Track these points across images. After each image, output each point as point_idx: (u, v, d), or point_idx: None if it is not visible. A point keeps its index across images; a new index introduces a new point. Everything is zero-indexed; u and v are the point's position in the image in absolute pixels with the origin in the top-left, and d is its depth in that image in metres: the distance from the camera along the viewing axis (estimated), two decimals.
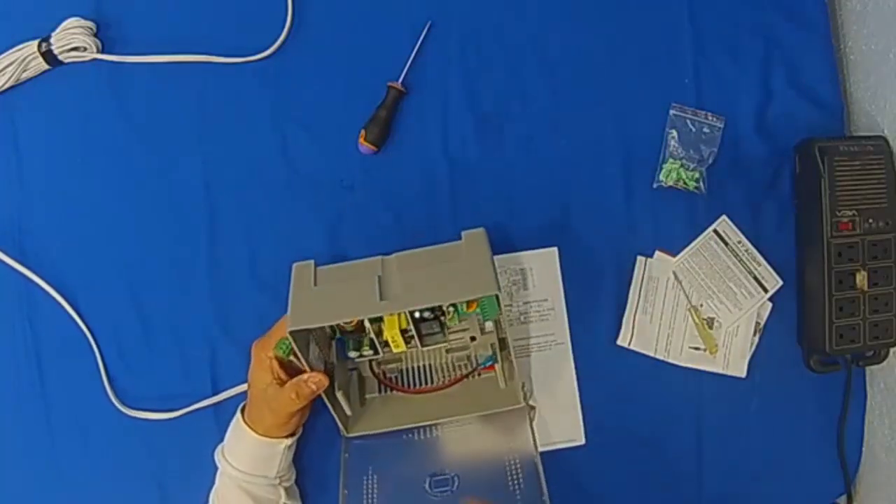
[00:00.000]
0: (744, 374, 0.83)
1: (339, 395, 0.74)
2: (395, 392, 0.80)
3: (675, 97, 0.85)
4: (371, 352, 0.75)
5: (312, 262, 0.75)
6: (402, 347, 0.72)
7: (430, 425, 0.79)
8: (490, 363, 0.77)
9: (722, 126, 0.84)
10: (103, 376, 0.81)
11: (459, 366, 0.79)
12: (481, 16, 0.85)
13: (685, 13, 0.86)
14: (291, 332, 0.68)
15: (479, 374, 0.79)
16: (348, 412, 0.77)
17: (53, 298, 0.81)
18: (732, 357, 0.83)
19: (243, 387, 0.80)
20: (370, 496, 0.75)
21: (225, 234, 0.83)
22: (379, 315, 0.69)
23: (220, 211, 0.83)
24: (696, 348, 0.83)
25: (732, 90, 0.85)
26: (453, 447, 0.78)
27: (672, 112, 0.84)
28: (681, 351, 0.83)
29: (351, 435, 0.77)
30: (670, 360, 0.83)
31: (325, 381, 0.72)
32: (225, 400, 0.81)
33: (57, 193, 0.83)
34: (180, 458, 0.81)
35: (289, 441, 0.74)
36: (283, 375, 0.72)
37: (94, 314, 0.82)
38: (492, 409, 0.77)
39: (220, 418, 0.81)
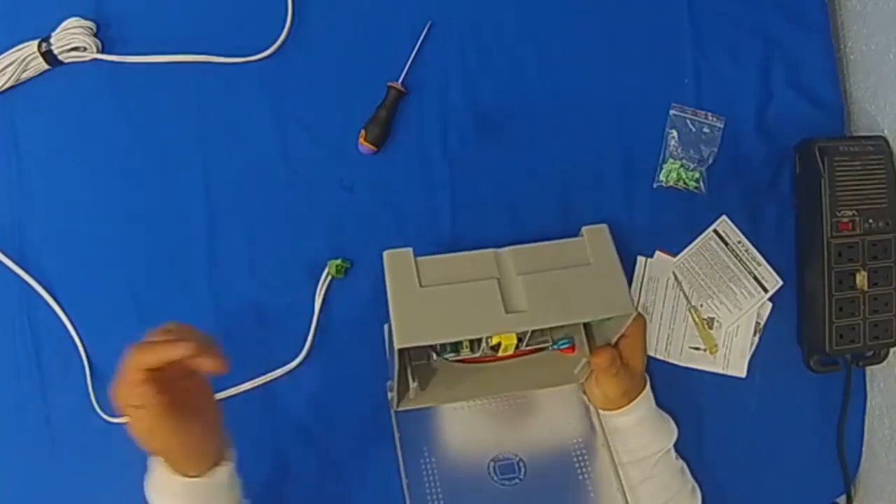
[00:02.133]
0: (744, 374, 0.83)
1: (408, 371, 0.69)
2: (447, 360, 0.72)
3: (675, 97, 0.85)
4: (469, 352, 0.69)
5: (410, 250, 0.65)
6: (512, 349, 0.67)
7: (485, 402, 0.75)
8: (566, 345, 0.73)
9: (722, 126, 0.84)
10: (102, 377, 0.81)
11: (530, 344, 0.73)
12: (481, 16, 0.85)
13: (685, 13, 0.86)
14: (400, 350, 0.61)
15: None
16: (412, 385, 0.70)
17: (51, 302, 0.81)
18: (732, 357, 0.83)
19: (243, 386, 0.80)
20: (433, 486, 0.72)
21: (225, 234, 0.83)
22: (507, 332, 0.64)
23: (220, 211, 0.83)
24: (696, 348, 0.83)
25: (732, 90, 0.85)
26: (512, 429, 0.75)
27: (672, 112, 0.84)
28: (681, 351, 0.83)
29: (401, 409, 0.73)
30: (670, 360, 0.83)
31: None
32: (223, 399, 0.81)
33: (57, 193, 0.83)
34: None
35: (231, 465, 0.63)
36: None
37: (93, 314, 0.82)
38: (554, 384, 0.74)
39: None
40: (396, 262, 0.64)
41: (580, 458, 0.74)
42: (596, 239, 0.67)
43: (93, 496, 0.81)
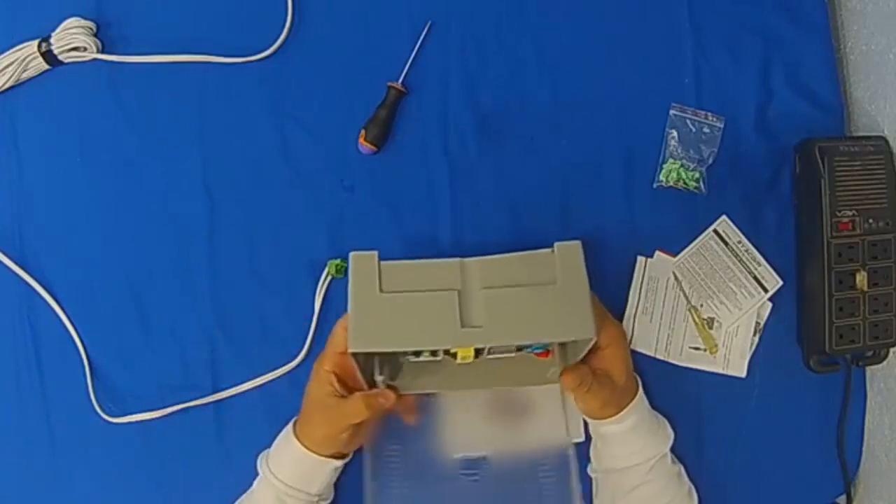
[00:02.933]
0: (744, 374, 0.83)
1: (376, 374, 0.68)
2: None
3: (675, 97, 0.85)
4: (431, 356, 0.69)
5: (376, 254, 0.65)
6: (471, 359, 0.67)
7: (458, 395, 0.74)
8: (541, 350, 0.72)
9: (722, 126, 0.84)
10: (103, 377, 0.81)
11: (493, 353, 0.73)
12: (481, 16, 0.85)
13: (685, 13, 0.86)
14: (353, 354, 0.61)
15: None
16: (378, 378, 0.70)
17: (51, 302, 0.81)
18: (732, 357, 0.83)
19: (243, 386, 0.80)
20: (395, 472, 0.72)
21: (225, 234, 0.83)
22: (460, 347, 0.63)
23: (220, 211, 0.83)
24: (696, 348, 0.83)
25: (732, 90, 0.85)
26: (482, 425, 0.74)
27: (672, 112, 0.84)
28: (681, 351, 0.83)
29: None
30: (670, 360, 0.83)
31: (394, 399, 0.69)
32: (225, 399, 0.81)
33: (57, 193, 0.83)
34: (181, 458, 0.81)
35: (338, 463, 0.72)
36: (339, 389, 0.70)
37: (93, 314, 0.82)
38: (529, 384, 0.72)
39: (220, 418, 0.81)
40: (360, 265, 0.64)
41: (544, 465, 0.73)
42: (567, 256, 0.65)
43: (93, 496, 0.81)
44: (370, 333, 0.61)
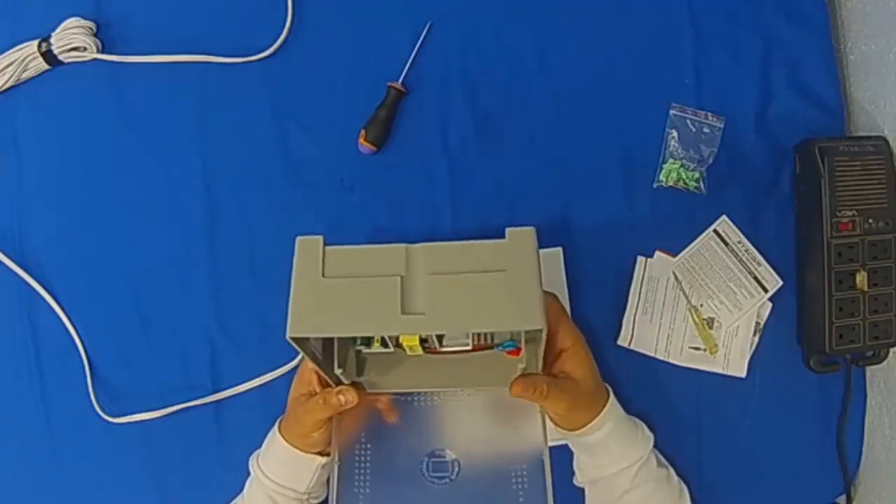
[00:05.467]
0: (744, 374, 0.83)
1: (337, 371, 0.67)
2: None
3: (675, 97, 0.85)
4: (382, 347, 0.68)
5: (321, 238, 0.63)
6: (420, 351, 0.66)
7: (431, 395, 0.72)
8: (512, 348, 0.69)
9: (722, 126, 0.84)
10: (102, 377, 0.81)
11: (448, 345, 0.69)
12: (481, 16, 0.85)
13: (685, 13, 0.86)
14: (292, 338, 0.60)
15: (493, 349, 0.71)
16: (337, 372, 0.68)
17: (51, 302, 0.81)
18: (732, 357, 0.83)
19: (243, 386, 0.80)
20: (362, 472, 0.70)
21: (225, 234, 0.83)
22: (400, 333, 0.61)
23: (220, 211, 0.83)
24: (696, 348, 0.83)
25: (732, 90, 0.85)
26: (456, 427, 0.72)
27: (672, 112, 0.84)
28: (681, 351, 0.83)
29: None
30: (670, 360, 0.83)
31: (355, 399, 0.67)
32: (225, 399, 0.81)
33: (56, 193, 0.83)
34: (181, 458, 0.81)
35: (323, 459, 0.71)
36: (317, 388, 0.70)
37: (93, 314, 0.82)
38: (496, 385, 0.70)
39: (220, 418, 0.81)
40: (305, 250, 0.63)
41: (518, 470, 0.70)
42: (519, 242, 0.62)
43: (93, 496, 0.81)
44: (308, 319, 0.59)
